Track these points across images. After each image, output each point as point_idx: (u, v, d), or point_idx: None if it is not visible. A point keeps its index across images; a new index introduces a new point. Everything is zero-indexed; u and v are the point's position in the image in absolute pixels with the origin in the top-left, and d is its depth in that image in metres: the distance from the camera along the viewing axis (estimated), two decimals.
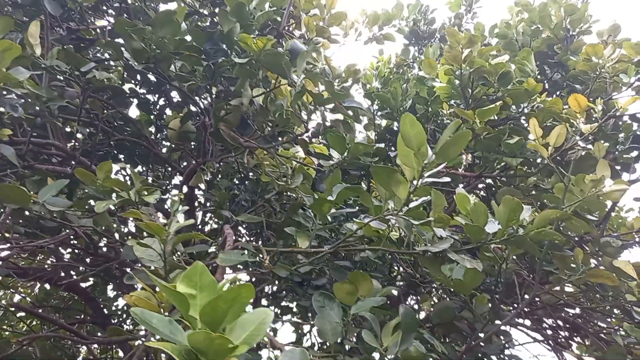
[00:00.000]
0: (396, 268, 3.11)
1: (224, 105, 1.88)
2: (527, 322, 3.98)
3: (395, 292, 2.90)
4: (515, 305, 3.22)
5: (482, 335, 2.29)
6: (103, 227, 1.92)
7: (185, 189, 3.15)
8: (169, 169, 3.72)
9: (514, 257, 2.60)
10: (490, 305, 2.47)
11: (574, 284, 2.39)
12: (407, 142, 1.46)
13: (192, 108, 2.83)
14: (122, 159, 3.57)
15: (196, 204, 3.53)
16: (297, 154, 2.26)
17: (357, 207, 2.12)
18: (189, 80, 1.89)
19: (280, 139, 2.09)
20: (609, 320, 2.92)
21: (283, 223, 2.14)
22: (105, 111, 3.16)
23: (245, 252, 1.59)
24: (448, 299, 3.16)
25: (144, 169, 3.87)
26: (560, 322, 3.65)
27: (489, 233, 1.68)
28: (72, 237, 3.20)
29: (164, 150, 3.63)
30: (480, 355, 2.35)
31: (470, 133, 1.47)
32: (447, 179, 1.57)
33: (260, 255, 1.70)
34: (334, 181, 1.79)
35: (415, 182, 1.51)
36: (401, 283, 3.38)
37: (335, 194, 1.79)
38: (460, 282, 2.18)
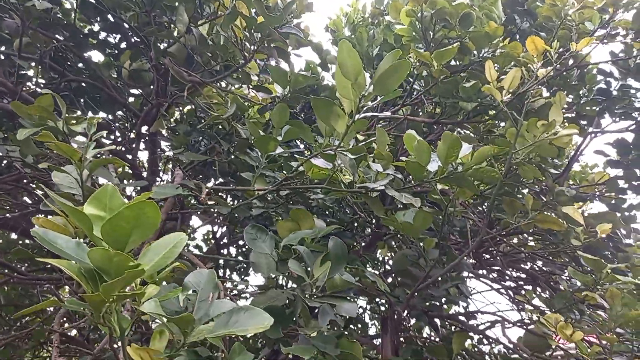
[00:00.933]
0: (360, 217, 3.11)
1: (165, 36, 1.79)
2: (492, 276, 4.09)
3: (356, 242, 2.92)
4: (481, 257, 3.29)
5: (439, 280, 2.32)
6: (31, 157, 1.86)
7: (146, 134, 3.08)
8: (129, 114, 3.61)
9: (468, 202, 2.62)
10: (440, 249, 2.50)
11: (523, 229, 2.42)
12: (344, 72, 1.41)
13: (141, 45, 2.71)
14: (82, 104, 3.46)
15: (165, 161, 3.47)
16: (250, 95, 2.19)
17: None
18: (128, 8, 1.79)
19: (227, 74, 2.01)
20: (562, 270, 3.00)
21: (230, 162, 2.10)
22: (62, 54, 3.02)
23: (180, 187, 1.55)
24: (408, 248, 3.20)
25: (109, 117, 3.76)
26: (520, 275, 3.75)
27: (429, 171, 1.67)
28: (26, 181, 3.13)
29: (132, 99, 3.52)
30: (428, 297, 2.40)
31: (410, 64, 1.43)
32: (387, 113, 1.54)
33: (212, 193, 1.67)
34: (280, 117, 1.74)
35: (353, 114, 1.47)
36: (367, 233, 3.41)
37: (279, 128, 1.74)
38: (409, 225, 2.19)
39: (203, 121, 2.23)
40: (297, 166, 1.70)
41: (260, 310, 0.90)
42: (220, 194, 1.90)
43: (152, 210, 0.95)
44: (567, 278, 2.71)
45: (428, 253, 2.52)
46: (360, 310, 3.64)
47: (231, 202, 2.99)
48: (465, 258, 3.31)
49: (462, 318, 3.48)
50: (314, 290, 1.32)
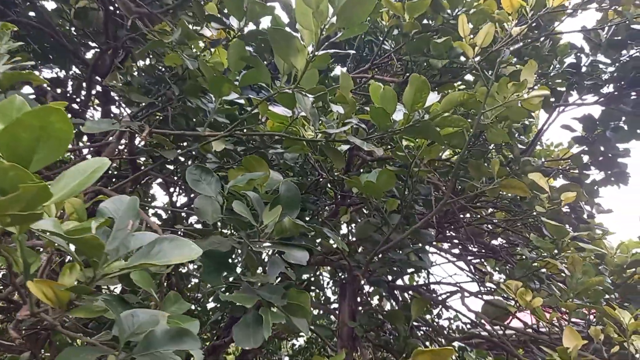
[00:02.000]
0: (322, 178, 2.97)
1: None
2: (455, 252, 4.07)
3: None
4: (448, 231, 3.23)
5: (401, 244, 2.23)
6: None
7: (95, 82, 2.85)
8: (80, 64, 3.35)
9: (433, 168, 2.54)
10: (403, 217, 2.42)
11: (487, 195, 2.36)
12: None
13: None
14: (29, 52, 3.18)
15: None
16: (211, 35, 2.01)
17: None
18: None
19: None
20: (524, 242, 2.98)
21: (185, 116, 1.93)
22: None
23: (118, 123, 1.39)
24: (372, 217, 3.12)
25: (62, 72, 3.48)
26: (482, 250, 3.74)
27: (394, 120, 1.56)
28: None
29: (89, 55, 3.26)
30: (388, 263, 2.32)
31: None
32: (351, 52, 1.40)
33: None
34: (236, 54, 1.58)
35: (313, 48, 1.33)
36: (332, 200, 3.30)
37: (235, 72, 1.59)
38: (372, 184, 2.08)
39: (158, 69, 2.04)
40: (253, 108, 1.56)
41: (187, 240, 0.77)
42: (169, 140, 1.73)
43: (61, 120, 0.80)
44: (530, 250, 2.69)
45: (390, 217, 2.43)
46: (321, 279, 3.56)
47: (188, 163, 2.81)
48: (428, 229, 3.26)
49: (422, 290, 3.46)
50: (262, 237, 1.20)
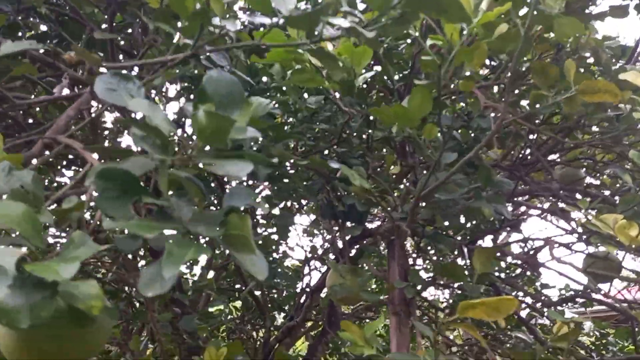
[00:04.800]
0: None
1: None
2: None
3: None
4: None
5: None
6: None
7: None
8: None
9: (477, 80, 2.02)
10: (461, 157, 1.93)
11: (562, 109, 1.81)
12: None
13: None
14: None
15: None
16: None
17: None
18: None
19: None
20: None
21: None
22: None
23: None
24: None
25: None
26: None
27: None
28: None
29: None
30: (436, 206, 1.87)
31: None
32: None
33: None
34: None
35: None
36: None
37: None
38: (403, 111, 1.67)
39: None
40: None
41: None
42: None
43: None
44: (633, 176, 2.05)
45: (443, 157, 1.96)
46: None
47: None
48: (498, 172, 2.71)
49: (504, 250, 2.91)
50: (190, 152, 0.86)
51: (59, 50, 1.22)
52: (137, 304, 2.95)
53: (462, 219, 2.37)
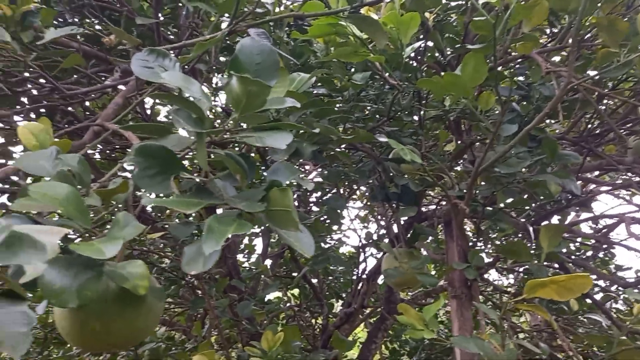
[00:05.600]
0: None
1: None
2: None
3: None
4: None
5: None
6: None
7: None
8: None
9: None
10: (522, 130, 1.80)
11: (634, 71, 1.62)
12: None
13: None
14: None
15: None
16: None
17: None
18: None
19: None
20: None
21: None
22: None
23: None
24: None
25: None
26: None
27: None
28: None
29: None
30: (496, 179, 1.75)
31: None
32: None
33: None
34: None
35: None
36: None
37: None
38: (455, 80, 1.56)
39: None
40: None
41: None
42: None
43: None
44: None
45: (502, 128, 1.83)
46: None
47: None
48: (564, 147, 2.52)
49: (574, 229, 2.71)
50: (227, 125, 0.83)
51: (99, 33, 1.23)
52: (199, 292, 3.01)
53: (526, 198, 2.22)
